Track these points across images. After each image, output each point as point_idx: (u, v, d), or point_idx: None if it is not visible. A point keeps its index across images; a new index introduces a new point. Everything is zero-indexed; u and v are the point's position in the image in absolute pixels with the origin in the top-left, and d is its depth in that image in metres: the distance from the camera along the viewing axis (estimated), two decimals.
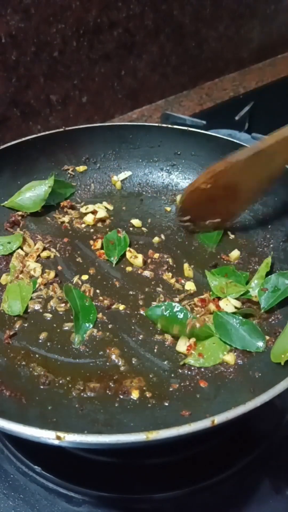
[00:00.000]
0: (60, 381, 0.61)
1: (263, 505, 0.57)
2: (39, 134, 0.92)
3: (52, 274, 0.76)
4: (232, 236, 0.86)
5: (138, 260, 0.79)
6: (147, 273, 0.78)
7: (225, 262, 0.80)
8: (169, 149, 0.96)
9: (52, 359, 0.64)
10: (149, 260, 0.81)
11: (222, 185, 0.77)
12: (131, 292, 0.74)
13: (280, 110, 1.34)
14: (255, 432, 0.64)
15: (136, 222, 0.88)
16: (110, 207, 0.92)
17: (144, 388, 0.60)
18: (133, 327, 0.69)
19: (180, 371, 0.63)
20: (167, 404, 0.58)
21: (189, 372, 0.63)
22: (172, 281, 0.76)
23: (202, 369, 0.63)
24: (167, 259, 0.80)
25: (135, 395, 0.59)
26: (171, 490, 0.58)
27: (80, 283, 0.75)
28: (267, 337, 0.65)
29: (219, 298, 0.71)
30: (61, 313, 0.71)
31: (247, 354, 0.64)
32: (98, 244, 0.83)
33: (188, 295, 0.74)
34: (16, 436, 0.46)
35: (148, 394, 0.59)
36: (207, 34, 1.49)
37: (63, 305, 0.72)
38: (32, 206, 0.86)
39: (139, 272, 0.78)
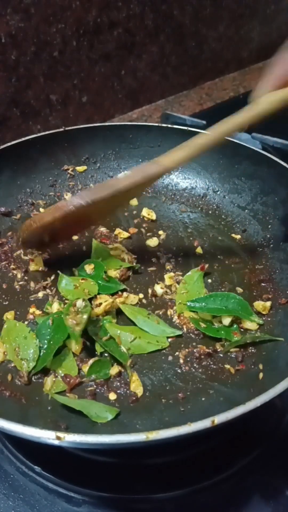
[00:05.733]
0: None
1: (263, 505, 0.57)
2: (39, 134, 0.92)
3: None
4: (232, 236, 0.86)
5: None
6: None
7: (225, 262, 0.80)
8: (169, 149, 0.94)
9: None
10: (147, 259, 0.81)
11: (71, 220, 0.69)
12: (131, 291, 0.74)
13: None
14: (255, 432, 0.64)
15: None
16: None
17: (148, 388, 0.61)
18: None
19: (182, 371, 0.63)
20: (167, 404, 0.58)
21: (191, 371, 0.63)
22: (173, 281, 0.76)
23: (203, 369, 0.63)
24: (168, 259, 0.80)
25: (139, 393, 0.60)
26: (171, 490, 0.58)
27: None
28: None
29: None
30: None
31: (248, 354, 0.64)
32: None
33: None
34: (16, 436, 0.46)
35: (148, 394, 0.60)
36: (207, 34, 1.48)
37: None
38: None
39: (138, 272, 0.78)
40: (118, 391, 0.60)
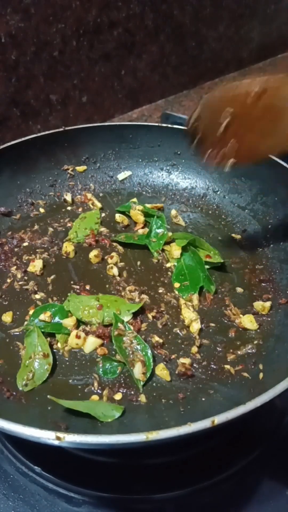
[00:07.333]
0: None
1: (263, 505, 0.57)
2: (39, 134, 0.92)
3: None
4: (232, 236, 0.86)
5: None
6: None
7: (226, 262, 0.80)
8: (169, 149, 0.96)
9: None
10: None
11: (263, 105, 0.56)
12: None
13: None
14: (255, 432, 0.64)
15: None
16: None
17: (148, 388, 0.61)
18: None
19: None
20: (167, 404, 0.58)
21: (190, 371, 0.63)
22: None
23: (203, 369, 0.63)
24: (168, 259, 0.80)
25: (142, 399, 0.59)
26: (171, 490, 0.58)
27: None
28: None
29: None
30: None
31: (248, 354, 0.64)
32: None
33: None
34: (16, 436, 0.46)
35: (148, 394, 0.60)
36: (207, 34, 1.48)
37: None
38: None
39: (139, 271, 0.78)
40: (121, 391, 0.60)
